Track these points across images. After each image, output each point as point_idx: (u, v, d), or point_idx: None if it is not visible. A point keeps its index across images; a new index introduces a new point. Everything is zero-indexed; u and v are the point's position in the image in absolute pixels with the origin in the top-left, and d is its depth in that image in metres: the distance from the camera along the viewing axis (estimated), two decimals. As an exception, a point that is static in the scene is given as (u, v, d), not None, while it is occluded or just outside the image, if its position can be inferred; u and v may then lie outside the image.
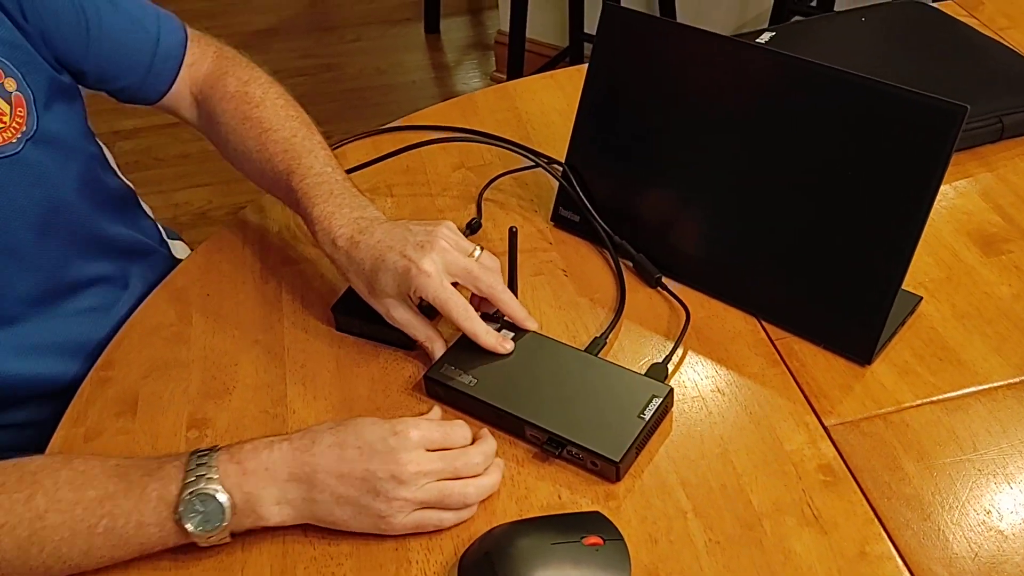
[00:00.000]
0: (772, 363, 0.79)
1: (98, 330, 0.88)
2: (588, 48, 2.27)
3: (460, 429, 0.71)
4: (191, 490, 0.64)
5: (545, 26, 2.51)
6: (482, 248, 0.79)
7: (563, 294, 0.87)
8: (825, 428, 0.74)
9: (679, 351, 0.80)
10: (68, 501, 0.64)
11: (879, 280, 0.76)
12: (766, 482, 0.70)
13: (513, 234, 0.79)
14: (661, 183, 0.87)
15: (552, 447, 0.72)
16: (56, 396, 0.84)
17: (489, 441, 0.71)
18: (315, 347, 0.84)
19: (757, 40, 1.09)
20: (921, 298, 0.83)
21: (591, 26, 2.22)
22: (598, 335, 0.81)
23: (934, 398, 0.75)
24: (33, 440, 0.80)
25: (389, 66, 2.83)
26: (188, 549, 0.68)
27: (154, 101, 0.93)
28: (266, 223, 0.99)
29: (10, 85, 0.77)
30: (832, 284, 0.79)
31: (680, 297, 0.85)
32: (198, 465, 0.65)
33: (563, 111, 1.09)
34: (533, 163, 0.98)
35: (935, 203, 0.72)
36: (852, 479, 0.70)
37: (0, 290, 0.81)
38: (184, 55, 0.93)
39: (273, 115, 0.89)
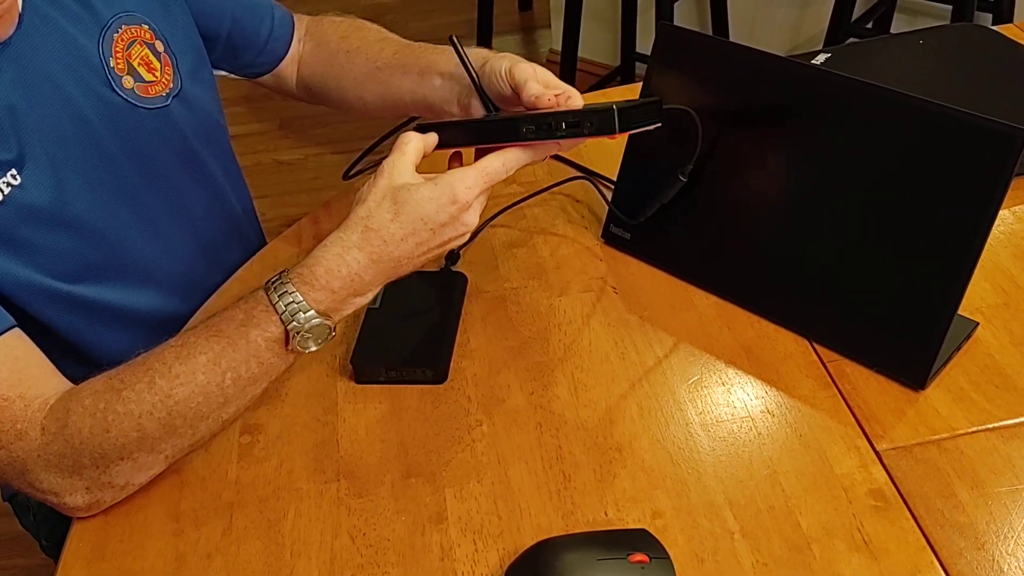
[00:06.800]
0: (823, 385, 0.78)
1: (213, 273, 0.96)
2: (640, 67, 2.28)
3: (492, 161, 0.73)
4: (295, 327, 0.70)
5: (597, 45, 2.52)
6: None
7: (612, 311, 0.87)
8: (877, 452, 0.73)
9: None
10: (186, 373, 0.69)
11: (934, 304, 0.75)
12: (815, 505, 0.69)
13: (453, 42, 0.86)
14: (713, 201, 0.87)
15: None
16: (157, 327, 0.90)
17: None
18: (366, 357, 0.85)
19: (812, 61, 1.09)
20: (977, 324, 0.82)
21: (643, 46, 2.23)
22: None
23: (989, 425, 0.74)
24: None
25: (441, 83, 2.85)
26: (237, 547, 0.69)
27: (268, 71, 1.04)
28: (320, 234, 1.00)
29: (160, 47, 0.86)
30: (886, 307, 0.78)
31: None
32: (287, 305, 0.69)
33: (615, 129, 1.09)
34: (581, 176, 0.98)
35: (993, 228, 0.71)
36: (904, 505, 0.69)
37: (159, 233, 0.89)
38: (294, 25, 1.04)
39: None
